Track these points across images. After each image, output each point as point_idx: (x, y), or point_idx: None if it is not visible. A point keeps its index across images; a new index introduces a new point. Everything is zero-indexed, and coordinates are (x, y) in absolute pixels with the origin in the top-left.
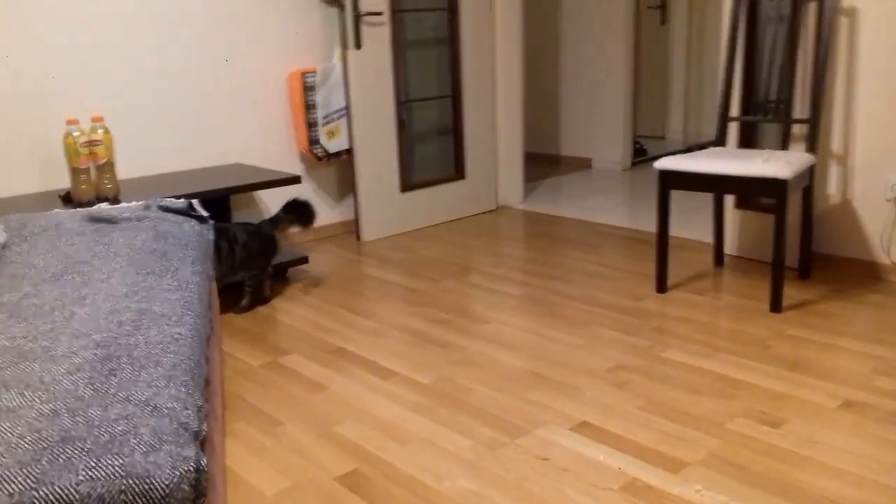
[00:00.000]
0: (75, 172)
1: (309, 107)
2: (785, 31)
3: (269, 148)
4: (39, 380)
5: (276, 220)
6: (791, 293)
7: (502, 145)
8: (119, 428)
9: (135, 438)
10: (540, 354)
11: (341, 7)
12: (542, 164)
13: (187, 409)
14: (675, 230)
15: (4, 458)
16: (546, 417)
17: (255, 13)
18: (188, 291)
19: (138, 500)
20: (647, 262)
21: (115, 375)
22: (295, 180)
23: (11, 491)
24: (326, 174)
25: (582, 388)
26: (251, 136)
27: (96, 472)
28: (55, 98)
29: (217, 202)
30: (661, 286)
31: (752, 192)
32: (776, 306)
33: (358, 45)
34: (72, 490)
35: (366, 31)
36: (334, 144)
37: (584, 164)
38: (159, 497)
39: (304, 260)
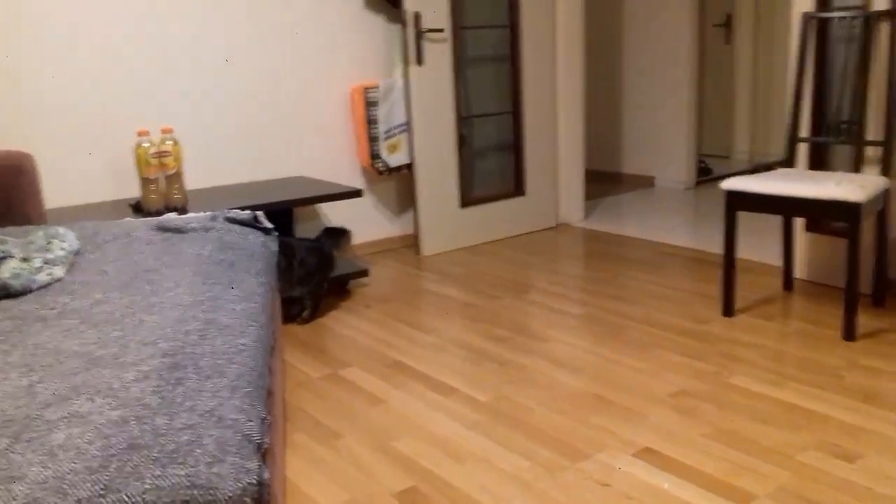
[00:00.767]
0: (145, 182)
1: (371, 121)
2: (856, 50)
3: (331, 161)
4: (109, 386)
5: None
6: (865, 321)
7: (563, 162)
8: (184, 437)
9: (199, 449)
10: (601, 376)
11: (404, 24)
12: (604, 181)
13: (251, 420)
14: (742, 252)
15: (74, 463)
16: (608, 442)
17: (319, 30)
18: (253, 302)
19: None
20: (712, 284)
21: (181, 384)
22: (356, 194)
23: (80, 497)
24: (387, 188)
25: (645, 413)
26: (315, 150)
27: (162, 482)
28: (128, 110)
29: (281, 214)
30: (728, 310)
31: (823, 215)
32: (849, 334)
33: (420, 62)
34: (138, 499)
35: (427, 47)
36: (395, 159)
37: (646, 183)
38: None
39: (365, 273)
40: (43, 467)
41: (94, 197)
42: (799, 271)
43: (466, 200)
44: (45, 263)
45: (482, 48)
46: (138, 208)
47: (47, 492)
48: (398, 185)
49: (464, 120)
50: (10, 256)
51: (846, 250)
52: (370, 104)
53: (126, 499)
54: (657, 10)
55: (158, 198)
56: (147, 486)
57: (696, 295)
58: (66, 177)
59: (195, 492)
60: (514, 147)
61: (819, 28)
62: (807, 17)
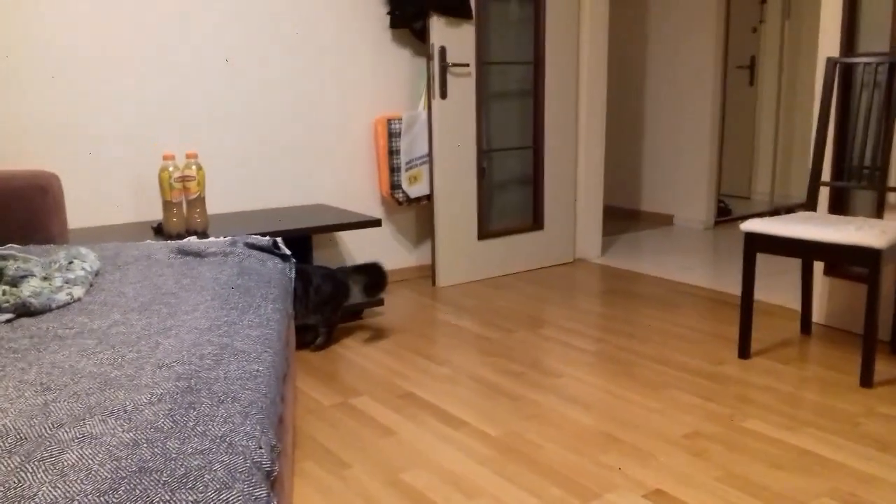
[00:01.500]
0: (168, 206)
1: (392, 152)
2: (882, 96)
3: (352, 190)
4: (122, 408)
5: (348, 272)
6: (882, 368)
7: (582, 198)
8: (195, 462)
9: (209, 474)
10: (613, 415)
11: (430, 58)
12: (622, 218)
13: (261, 447)
14: (760, 294)
15: (84, 484)
16: (618, 482)
17: (346, 61)
18: (268, 328)
19: None
20: (729, 325)
21: (194, 409)
22: (375, 223)
23: None
24: (406, 218)
25: (657, 454)
26: (336, 178)
27: None
28: (153, 134)
29: (300, 241)
30: (744, 352)
31: (843, 260)
32: (867, 381)
33: (444, 95)
34: None
35: (452, 81)
36: (415, 190)
37: (665, 221)
38: None
39: (380, 302)
40: (53, 487)
41: (117, 218)
42: (817, 315)
43: (484, 233)
44: (66, 283)
45: (506, 83)
46: (160, 231)
47: None
48: (417, 215)
49: (485, 153)
50: (32, 275)
51: (865, 296)
52: (392, 135)
53: None
54: (681, 50)
55: (180, 221)
56: None
57: (712, 336)
58: (91, 198)
59: None
60: (534, 181)
61: (844, 73)
62: (832, 62)
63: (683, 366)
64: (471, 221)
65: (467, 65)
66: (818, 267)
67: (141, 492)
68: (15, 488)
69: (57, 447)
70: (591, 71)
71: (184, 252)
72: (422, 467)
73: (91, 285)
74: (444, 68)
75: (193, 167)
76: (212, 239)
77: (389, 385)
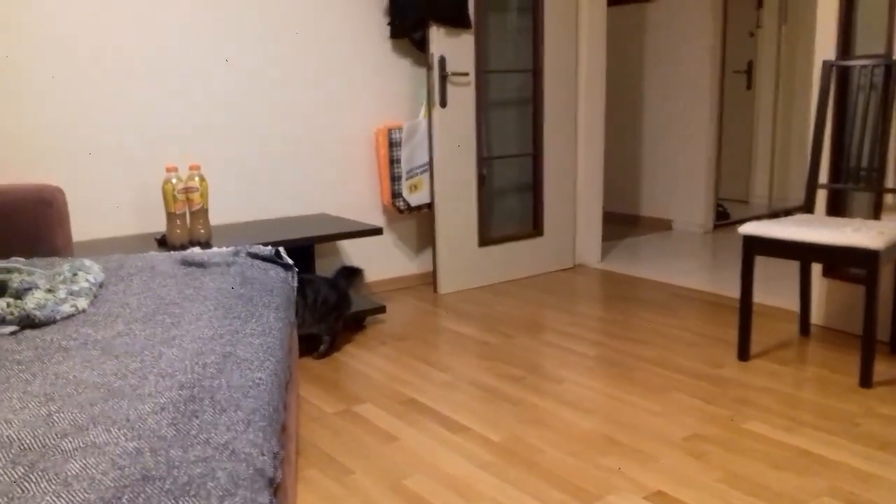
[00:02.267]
0: (171, 217)
1: (393, 161)
2: (878, 98)
3: (354, 199)
4: (126, 417)
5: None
6: (881, 368)
7: (581, 204)
8: (197, 470)
9: (212, 482)
10: (614, 418)
11: (430, 67)
12: (622, 223)
13: (263, 454)
14: (758, 296)
15: (88, 493)
16: (619, 484)
17: (347, 72)
18: (271, 337)
19: None
20: (728, 328)
21: (196, 417)
22: (377, 232)
23: None
24: (407, 226)
25: (657, 457)
26: (337, 188)
27: None
28: (155, 146)
29: (302, 250)
30: (744, 354)
31: (842, 261)
32: (866, 381)
33: (444, 104)
34: None
35: (452, 90)
36: (416, 198)
37: (664, 226)
38: None
39: (382, 309)
40: (56, 497)
41: (121, 230)
42: (816, 317)
43: (485, 240)
44: (70, 295)
45: (505, 91)
46: (163, 242)
47: None
48: (418, 223)
49: (485, 161)
50: (36, 287)
51: (864, 297)
52: (393, 144)
53: None
54: (678, 56)
55: (183, 232)
56: None
57: (712, 338)
58: (95, 210)
59: None
60: (534, 188)
61: (840, 75)
62: (828, 65)
63: (683, 368)
64: (471, 229)
65: (467, 74)
66: (816, 269)
67: (144, 500)
68: (19, 498)
69: (60, 457)
70: (589, 78)
71: (187, 263)
72: (424, 473)
73: (95, 297)
74: (444, 77)
75: (196, 179)
76: (215, 249)
77: (391, 392)
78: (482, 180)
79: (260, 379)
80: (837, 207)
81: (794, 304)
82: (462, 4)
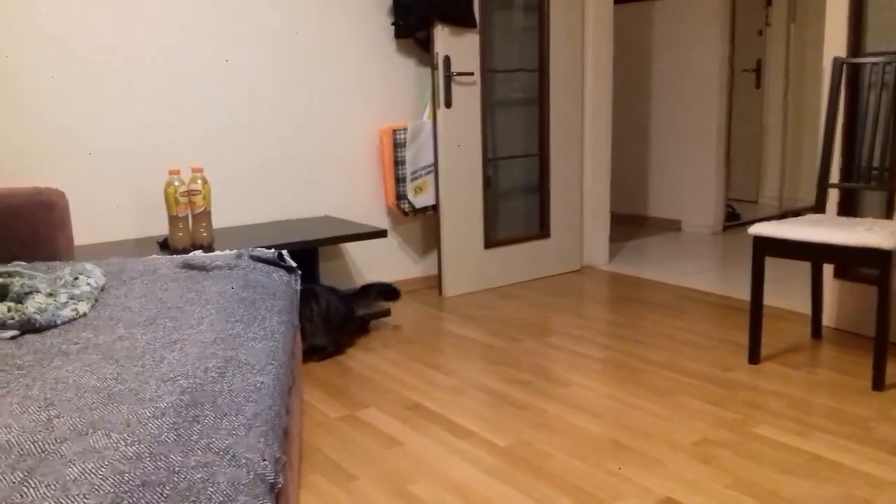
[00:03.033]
0: (173, 220)
1: (398, 162)
2: (889, 97)
3: (358, 201)
4: (126, 422)
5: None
6: (895, 371)
7: (588, 205)
8: (198, 475)
9: (212, 487)
10: (622, 422)
11: (434, 67)
12: (629, 224)
13: (265, 460)
14: (769, 298)
15: (87, 499)
16: (627, 490)
17: (351, 72)
18: (273, 341)
19: None
20: (738, 330)
21: (197, 422)
22: (381, 234)
23: None
24: (412, 229)
25: (666, 461)
26: (341, 190)
27: None
28: (157, 149)
29: (306, 253)
30: (754, 357)
31: (853, 262)
32: (879, 384)
33: (448, 104)
34: None
35: (456, 90)
36: (421, 200)
37: (672, 227)
38: None
39: (387, 313)
40: (55, 502)
41: (123, 234)
42: (827, 319)
43: (491, 242)
44: (71, 299)
45: (510, 91)
46: (165, 245)
47: None
48: (423, 226)
49: (490, 162)
50: (37, 291)
51: (876, 298)
52: (398, 145)
53: None
54: (686, 55)
55: (186, 236)
56: None
57: (722, 341)
58: (97, 214)
59: None
60: (540, 189)
61: (851, 74)
62: (838, 63)
63: (692, 372)
64: (477, 230)
65: (472, 73)
66: (828, 270)
67: None
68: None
69: (60, 462)
70: (596, 77)
71: (189, 266)
72: (429, 478)
73: (96, 301)
74: (448, 77)
75: (199, 181)
76: (217, 252)
77: (396, 396)
78: (488, 181)
79: (262, 383)
80: (849, 207)
81: (805, 306)
82: (467, 3)
